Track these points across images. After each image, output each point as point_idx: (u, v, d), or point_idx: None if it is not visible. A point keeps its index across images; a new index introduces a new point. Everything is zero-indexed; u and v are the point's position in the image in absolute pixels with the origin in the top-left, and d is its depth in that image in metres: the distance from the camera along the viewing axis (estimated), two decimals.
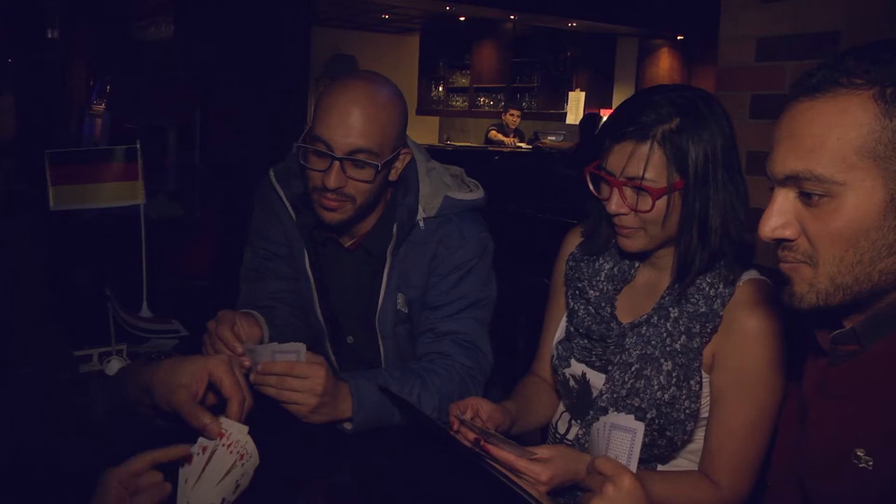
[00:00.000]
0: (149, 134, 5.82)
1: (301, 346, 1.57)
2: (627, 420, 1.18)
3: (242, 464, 1.14)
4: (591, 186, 1.56)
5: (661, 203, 1.47)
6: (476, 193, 1.89)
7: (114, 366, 1.92)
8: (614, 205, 1.50)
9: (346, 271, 1.92)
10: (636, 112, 1.48)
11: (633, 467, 1.15)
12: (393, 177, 1.81)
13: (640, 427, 1.17)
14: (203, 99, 6.27)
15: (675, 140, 1.45)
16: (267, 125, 6.28)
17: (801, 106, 1.07)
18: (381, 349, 1.90)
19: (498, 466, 1.35)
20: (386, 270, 1.84)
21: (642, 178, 1.45)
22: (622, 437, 1.16)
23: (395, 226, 1.81)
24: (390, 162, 1.76)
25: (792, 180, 1.08)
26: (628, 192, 1.48)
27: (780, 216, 1.09)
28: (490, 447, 1.40)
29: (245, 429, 1.16)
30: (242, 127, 6.20)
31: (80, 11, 5.94)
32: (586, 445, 1.56)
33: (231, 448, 1.13)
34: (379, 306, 1.86)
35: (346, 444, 1.61)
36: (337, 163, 1.68)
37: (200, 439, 1.14)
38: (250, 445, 1.15)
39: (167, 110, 6.17)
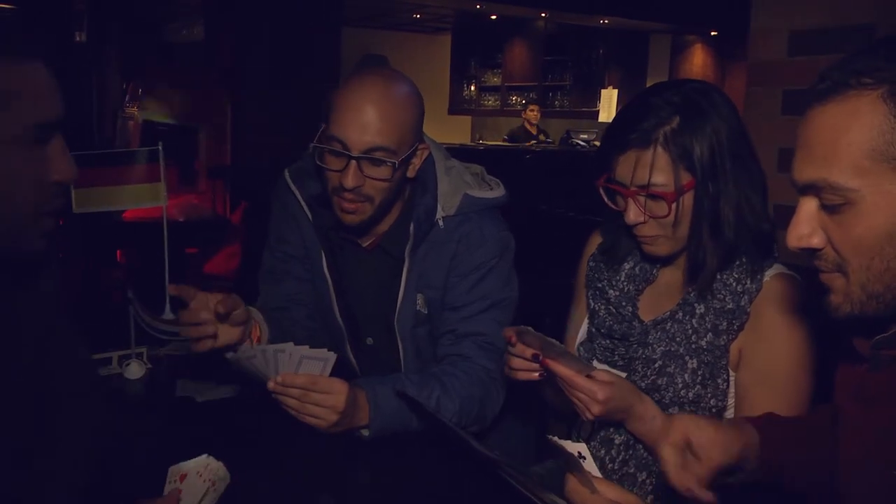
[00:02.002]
0: (179, 135, 5.88)
1: (331, 356, 1.53)
2: (565, 444, 1.17)
3: (216, 489, 1.18)
4: (605, 199, 1.54)
5: (676, 206, 1.44)
6: (496, 191, 1.85)
7: (133, 369, 1.92)
8: (632, 215, 1.47)
9: (364, 271, 1.89)
10: (635, 119, 1.45)
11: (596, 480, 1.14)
12: (411, 174, 1.77)
13: (574, 448, 1.15)
14: (233, 100, 6.31)
15: (678, 140, 1.42)
16: (297, 126, 6.29)
17: (813, 112, 1.02)
18: (401, 351, 1.87)
19: (517, 476, 1.31)
20: (405, 271, 1.81)
21: (651, 184, 1.43)
22: (572, 458, 1.14)
23: (412, 226, 1.78)
24: (408, 159, 1.73)
25: (811, 189, 1.03)
26: (642, 200, 1.46)
27: (804, 225, 1.05)
28: (549, 362, 1.37)
29: (207, 459, 1.19)
30: (272, 128, 6.21)
31: (110, 15, 5.99)
32: (612, 450, 1.53)
33: (203, 477, 1.16)
34: (398, 307, 1.83)
35: (362, 449, 1.59)
36: (354, 162, 1.65)
37: (172, 468, 1.17)
38: (221, 471, 1.18)
39: (198, 112, 6.22)
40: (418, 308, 1.83)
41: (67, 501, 1.23)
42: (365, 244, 1.87)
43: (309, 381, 1.50)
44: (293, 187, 1.87)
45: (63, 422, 1.30)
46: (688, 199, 1.44)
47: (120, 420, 1.46)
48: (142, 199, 2.36)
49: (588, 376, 1.37)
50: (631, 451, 1.52)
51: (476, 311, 1.79)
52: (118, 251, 4.45)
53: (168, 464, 1.52)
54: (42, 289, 1.29)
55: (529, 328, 1.47)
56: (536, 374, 1.45)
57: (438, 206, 1.79)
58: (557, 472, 1.16)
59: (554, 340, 1.43)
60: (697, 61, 11.32)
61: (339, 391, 1.50)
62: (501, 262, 1.82)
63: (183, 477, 1.16)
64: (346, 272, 1.90)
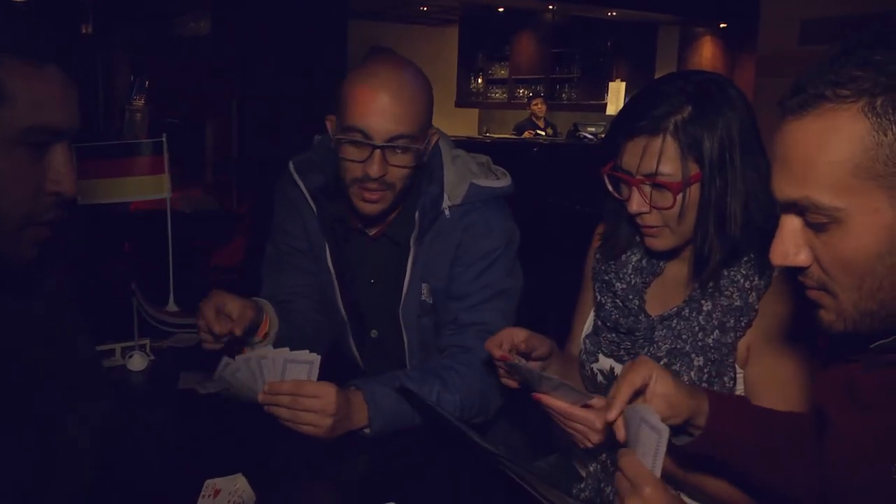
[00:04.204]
0: (186, 128, 5.87)
1: (315, 358, 1.51)
2: (655, 419, 1.12)
3: None
4: (610, 188, 1.51)
5: (682, 197, 1.41)
6: (503, 181, 1.84)
7: (136, 361, 1.91)
8: (635, 204, 1.45)
9: (369, 261, 1.88)
10: (647, 105, 1.43)
11: (658, 470, 1.09)
12: (425, 159, 1.78)
13: (665, 430, 1.11)
14: (240, 93, 6.30)
15: (689, 130, 1.39)
16: (304, 119, 6.27)
17: (789, 126, 0.97)
18: (406, 342, 1.86)
19: (518, 470, 1.30)
20: (410, 260, 1.80)
21: (658, 173, 1.40)
22: (650, 434, 1.10)
23: (416, 214, 1.77)
24: (427, 144, 1.74)
25: (793, 207, 0.99)
26: (647, 189, 1.43)
27: (788, 242, 1.00)
28: (542, 397, 1.36)
29: (241, 478, 1.23)
30: (279, 121, 6.20)
31: (116, 7, 5.99)
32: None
33: (229, 498, 1.20)
34: (403, 296, 1.82)
35: (363, 443, 1.58)
36: (378, 151, 1.65)
37: (208, 482, 1.20)
38: (247, 494, 1.21)
39: (204, 105, 6.21)
40: (423, 298, 1.82)
41: (73, 495, 1.22)
42: (371, 233, 1.86)
43: (295, 386, 1.48)
44: (298, 179, 1.86)
45: (67, 415, 1.30)
46: (694, 192, 1.42)
47: (123, 412, 1.46)
48: (146, 190, 2.35)
49: (584, 405, 1.35)
50: None
51: (479, 300, 1.78)
52: (124, 243, 4.45)
53: (171, 458, 1.52)
54: (46, 283, 1.28)
55: (521, 361, 1.47)
56: (515, 383, 1.50)
57: (444, 195, 1.78)
58: (560, 467, 1.14)
59: (549, 375, 1.40)
60: (706, 53, 11.25)
61: (327, 394, 1.48)
62: (506, 251, 1.81)
63: (217, 492, 1.19)
64: (351, 263, 1.89)
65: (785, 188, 0.98)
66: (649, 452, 1.07)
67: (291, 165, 1.89)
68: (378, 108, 1.63)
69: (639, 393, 1.19)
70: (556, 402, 1.35)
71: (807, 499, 1.25)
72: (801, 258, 1.00)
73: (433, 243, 1.80)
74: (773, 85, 2.69)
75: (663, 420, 1.12)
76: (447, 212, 1.78)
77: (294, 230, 1.91)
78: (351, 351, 1.96)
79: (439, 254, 1.80)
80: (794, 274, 1.04)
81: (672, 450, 1.29)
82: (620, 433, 1.16)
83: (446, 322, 1.81)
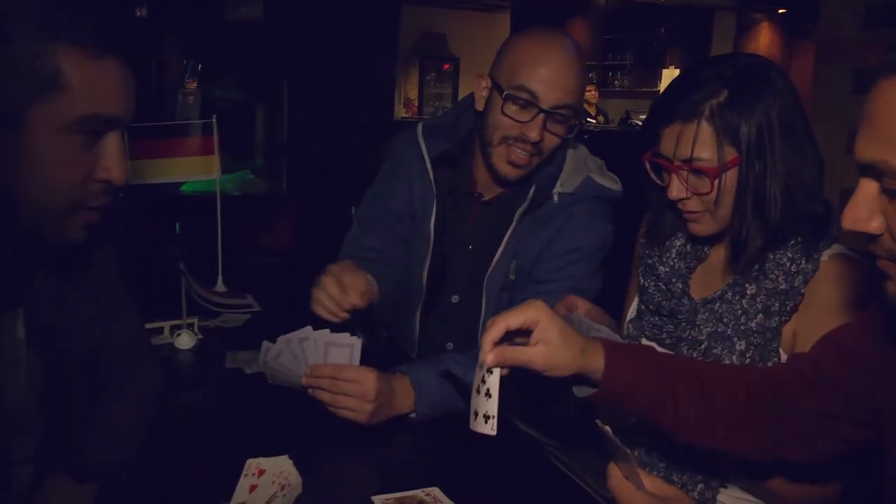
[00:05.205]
0: (237, 111, 5.93)
1: (355, 341, 1.52)
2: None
3: (284, 494, 1.19)
4: (652, 175, 1.50)
5: (719, 182, 1.39)
6: (616, 186, 1.87)
7: (184, 339, 1.93)
8: (675, 190, 1.43)
9: (472, 227, 1.90)
10: (683, 91, 1.41)
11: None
12: (573, 133, 1.81)
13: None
14: (290, 77, 6.34)
15: (725, 114, 1.37)
16: (354, 103, 6.30)
17: (883, 84, 0.91)
18: (483, 312, 1.87)
19: (563, 458, 1.28)
20: (509, 232, 1.82)
21: (694, 158, 1.38)
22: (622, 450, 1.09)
23: (532, 189, 1.79)
24: (577, 122, 1.78)
25: (871, 170, 0.93)
26: (685, 175, 1.42)
27: (863, 208, 0.95)
28: None
29: (287, 460, 1.20)
30: (329, 105, 6.23)
31: None
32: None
33: (275, 479, 1.18)
34: (492, 266, 1.84)
35: (404, 425, 1.58)
36: (542, 115, 1.69)
37: (251, 461, 1.18)
38: (293, 477, 1.20)
39: (256, 89, 6.26)
40: (508, 273, 1.84)
41: (121, 466, 1.23)
42: (486, 198, 1.88)
43: (335, 370, 1.49)
44: (422, 142, 1.88)
45: (117, 389, 1.31)
46: (731, 177, 1.40)
47: (170, 389, 1.47)
48: (196, 171, 2.37)
49: None
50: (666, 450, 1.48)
51: (557, 288, 1.79)
52: (175, 223, 4.51)
53: (215, 437, 1.54)
54: (94, 262, 1.30)
55: (578, 313, 1.48)
56: None
57: (558, 181, 1.81)
58: (603, 456, 1.12)
59: (598, 325, 1.40)
60: (764, 40, 11.03)
61: (367, 379, 1.48)
62: (597, 253, 1.84)
63: (261, 472, 1.18)
64: (451, 229, 1.90)
65: (866, 148, 0.92)
66: (629, 462, 1.05)
67: (419, 128, 1.91)
68: (551, 74, 1.69)
69: (521, 333, 1.18)
70: None
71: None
72: (874, 225, 0.94)
73: (533, 223, 1.83)
74: (834, 72, 2.59)
75: (544, 371, 1.14)
76: (556, 198, 1.82)
77: (398, 192, 1.93)
78: (413, 323, 1.95)
79: (536, 235, 1.83)
80: (865, 241, 0.98)
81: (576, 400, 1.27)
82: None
83: (519, 299, 1.81)
